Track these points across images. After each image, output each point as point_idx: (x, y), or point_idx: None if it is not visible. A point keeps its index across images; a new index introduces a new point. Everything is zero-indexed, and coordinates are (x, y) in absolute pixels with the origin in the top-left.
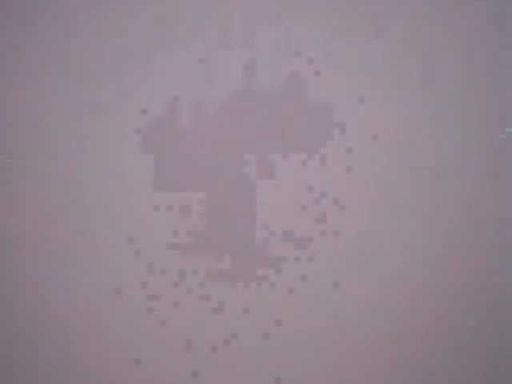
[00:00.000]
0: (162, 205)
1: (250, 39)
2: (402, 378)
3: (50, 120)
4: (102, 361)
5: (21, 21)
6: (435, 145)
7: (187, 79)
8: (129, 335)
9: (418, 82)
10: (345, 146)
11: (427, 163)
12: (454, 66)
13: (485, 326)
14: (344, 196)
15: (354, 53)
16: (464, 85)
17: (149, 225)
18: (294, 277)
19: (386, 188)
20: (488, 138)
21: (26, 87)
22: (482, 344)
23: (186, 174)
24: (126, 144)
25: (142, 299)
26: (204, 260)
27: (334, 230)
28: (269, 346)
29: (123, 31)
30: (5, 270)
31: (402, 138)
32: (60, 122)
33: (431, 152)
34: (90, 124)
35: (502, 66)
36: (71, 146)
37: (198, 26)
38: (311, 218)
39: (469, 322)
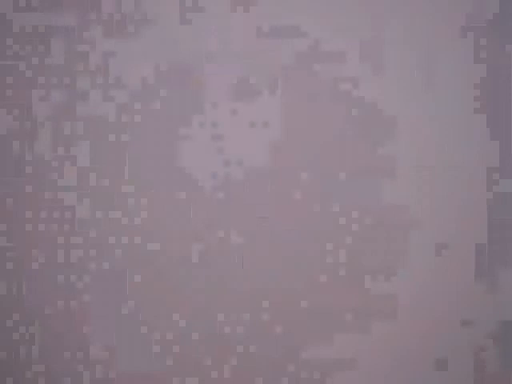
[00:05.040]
0: (162, 204)
1: (251, 41)
2: (402, 378)
3: (49, 120)
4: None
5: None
6: (435, 145)
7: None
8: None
9: (418, 82)
10: (345, 146)
11: (427, 163)
12: (454, 66)
13: (485, 326)
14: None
15: (354, 52)
16: (464, 85)
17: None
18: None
19: (386, 187)
20: (488, 138)
21: (21, 85)
22: (482, 344)
23: (185, 174)
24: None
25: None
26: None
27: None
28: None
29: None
30: (6, 266)
31: (402, 137)
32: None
33: (431, 152)
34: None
35: (502, 66)
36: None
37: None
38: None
39: (468, 322)
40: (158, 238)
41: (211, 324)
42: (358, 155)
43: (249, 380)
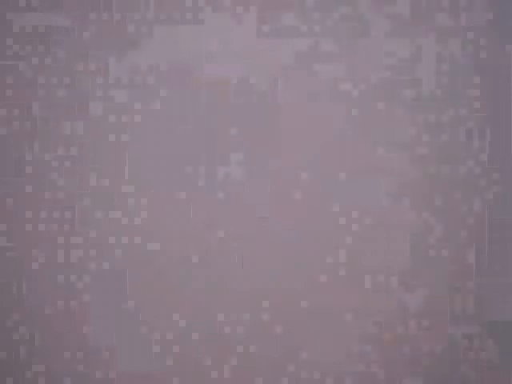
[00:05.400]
0: (162, 204)
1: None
2: (402, 377)
3: (47, 121)
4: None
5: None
6: (435, 145)
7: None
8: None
9: (420, 82)
10: (345, 146)
11: (428, 163)
12: (454, 66)
13: (485, 326)
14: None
15: (354, 52)
16: (464, 85)
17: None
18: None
19: (387, 187)
20: (488, 138)
21: (25, 87)
22: (482, 344)
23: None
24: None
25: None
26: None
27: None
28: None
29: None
30: (9, 264)
31: (402, 138)
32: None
33: (431, 152)
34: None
35: (502, 66)
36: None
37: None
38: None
39: (467, 322)
40: (158, 238)
41: (211, 324)
42: (358, 155)
43: (249, 380)
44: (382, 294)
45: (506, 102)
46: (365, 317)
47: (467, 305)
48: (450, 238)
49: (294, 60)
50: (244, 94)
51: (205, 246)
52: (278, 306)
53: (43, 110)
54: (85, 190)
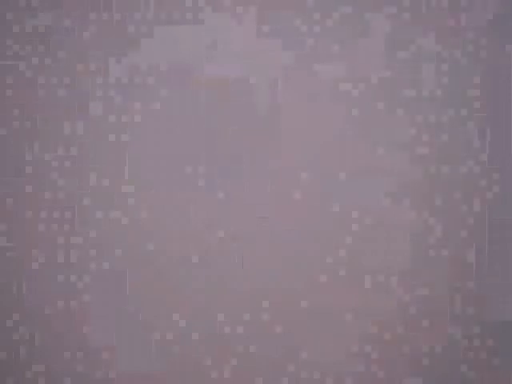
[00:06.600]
0: (162, 204)
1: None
2: (402, 377)
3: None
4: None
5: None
6: (435, 145)
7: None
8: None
9: (420, 82)
10: (345, 146)
11: (428, 163)
12: (454, 66)
13: (485, 326)
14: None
15: (354, 52)
16: (464, 85)
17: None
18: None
19: (387, 187)
20: (488, 138)
21: (27, 87)
22: (481, 343)
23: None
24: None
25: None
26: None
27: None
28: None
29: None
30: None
31: (402, 138)
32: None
33: (431, 152)
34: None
35: (502, 66)
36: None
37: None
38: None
39: (467, 322)
40: (158, 238)
41: (211, 324)
42: (358, 155)
43: (249, 380)
44: (382, 294)
45: (506, 102)
46: (365, 317)
47: (467, 305)
48: (450, 237)
49: (294, 60)
50: (244, 94)
51: (205, 246)
52: (277, 305)
53: (43, 109)
54: (85, 189)
